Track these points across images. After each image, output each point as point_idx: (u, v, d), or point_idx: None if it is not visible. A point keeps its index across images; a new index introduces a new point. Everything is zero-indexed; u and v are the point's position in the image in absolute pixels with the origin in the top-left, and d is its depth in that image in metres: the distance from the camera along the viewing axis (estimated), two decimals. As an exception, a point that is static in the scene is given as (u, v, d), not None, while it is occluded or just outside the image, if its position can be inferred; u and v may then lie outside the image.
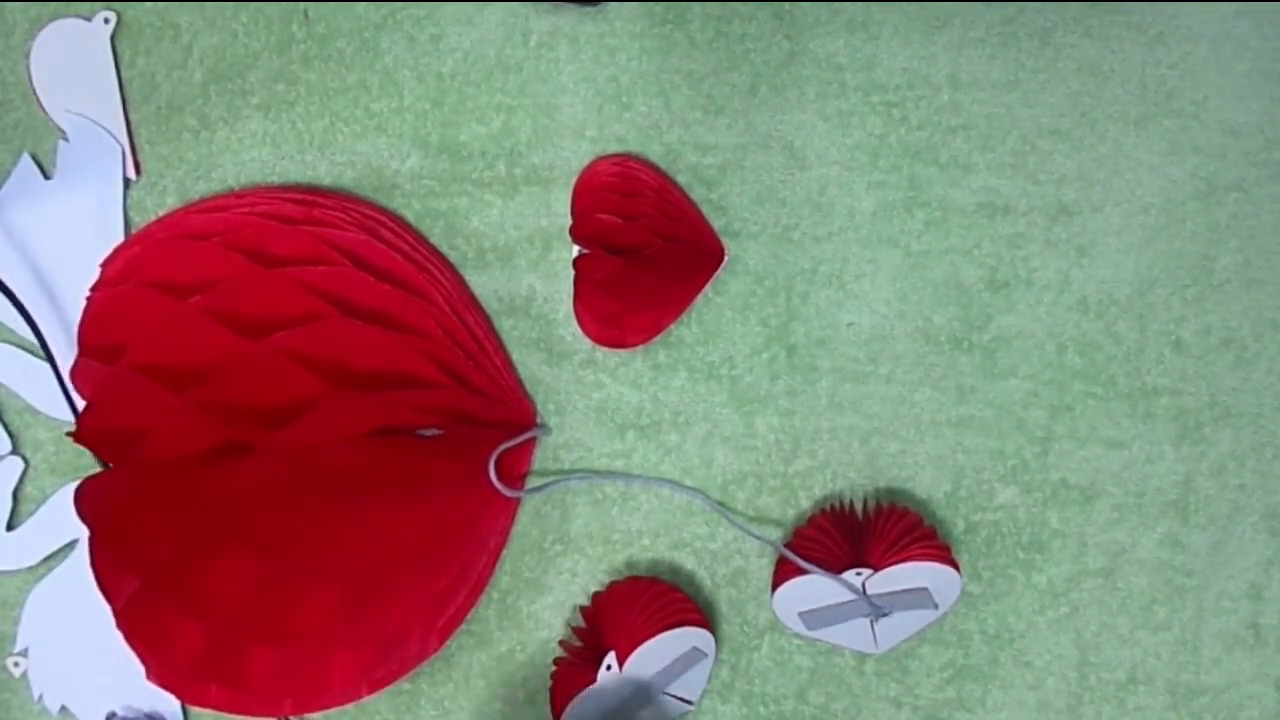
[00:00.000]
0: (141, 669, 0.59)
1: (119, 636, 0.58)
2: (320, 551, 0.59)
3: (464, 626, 0.64)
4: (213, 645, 0.58)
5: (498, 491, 0.61)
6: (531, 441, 0.65)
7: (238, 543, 0.59)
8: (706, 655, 0.62)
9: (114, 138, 0.66)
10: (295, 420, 0.59)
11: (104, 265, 0.64)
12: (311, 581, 0.59)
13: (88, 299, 0.63)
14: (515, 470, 0.64)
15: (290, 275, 0.61)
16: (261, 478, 0.60)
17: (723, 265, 0.64)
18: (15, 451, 0.66)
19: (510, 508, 0.64)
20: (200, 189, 0.66)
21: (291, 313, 0.60)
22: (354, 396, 0.60)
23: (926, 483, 0.65)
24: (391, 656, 0.61)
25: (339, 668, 0.59)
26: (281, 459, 0.60)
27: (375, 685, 0.61)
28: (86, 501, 0.60)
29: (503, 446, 0.62)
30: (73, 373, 0.63)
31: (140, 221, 0.66)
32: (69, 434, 0.61)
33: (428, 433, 0.64)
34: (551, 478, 0.64)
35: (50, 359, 0.64)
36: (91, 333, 0.63)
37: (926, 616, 0.61)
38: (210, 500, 0.60)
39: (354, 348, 0.61)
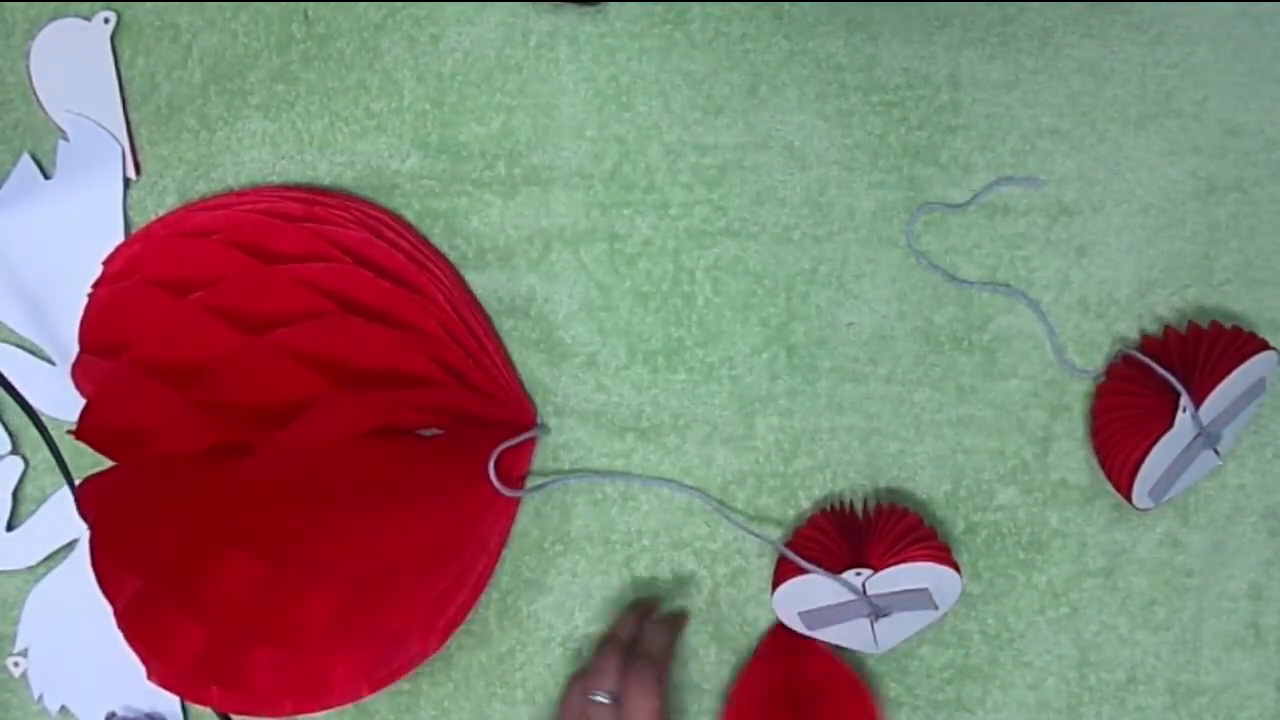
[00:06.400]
0: (142, 669, 0.58)
1: (119, 636, 0.58)
2: (322, 553, 0.59)
3: (464, 626, 0.64)
4: (214, 647, 0.58)
5: (498, 492, 0.61)
6: (531, 442, 0.65)
7: (239, 544, 0.59)
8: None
9: (114, 138, 0.66)
10: (295, 419, 0.59)
11: (106, 263, 0.64)
12: (313, 583, 0.59)
13: (89, 296, 0.63)
14: (515, 470, 0.64)
15: (291, 272, 0.61)
16: (263, 479, 0.60)
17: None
18: (15, 451, 0.66)
19: (510, 508, 0.64)
20: (200, 189, 0.66)
21: (292, 309, 0.60)
22: (354, 394, 0.60)
23: (926, 483, 0.65)
24: (392, 657, 0.61)
25: (340, 669, 0.59)
26: (283, 460, 0.60)
27: (376, 685, 0.61)
28: (88, 500, 0.60)
29: (502, 446, 0.62)
30: (74, 370, 0.63)
31: (140, 221, 0.66)
32: (69, 432, 0.61)
33: (428, 433, 0.64)
34: (551, 477, 0.64)
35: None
36: (93, 330, 0.63)
37: (926, 617, 0.61)
38: (212, 501, 0.60)
39: (354, 345, 0.61)
